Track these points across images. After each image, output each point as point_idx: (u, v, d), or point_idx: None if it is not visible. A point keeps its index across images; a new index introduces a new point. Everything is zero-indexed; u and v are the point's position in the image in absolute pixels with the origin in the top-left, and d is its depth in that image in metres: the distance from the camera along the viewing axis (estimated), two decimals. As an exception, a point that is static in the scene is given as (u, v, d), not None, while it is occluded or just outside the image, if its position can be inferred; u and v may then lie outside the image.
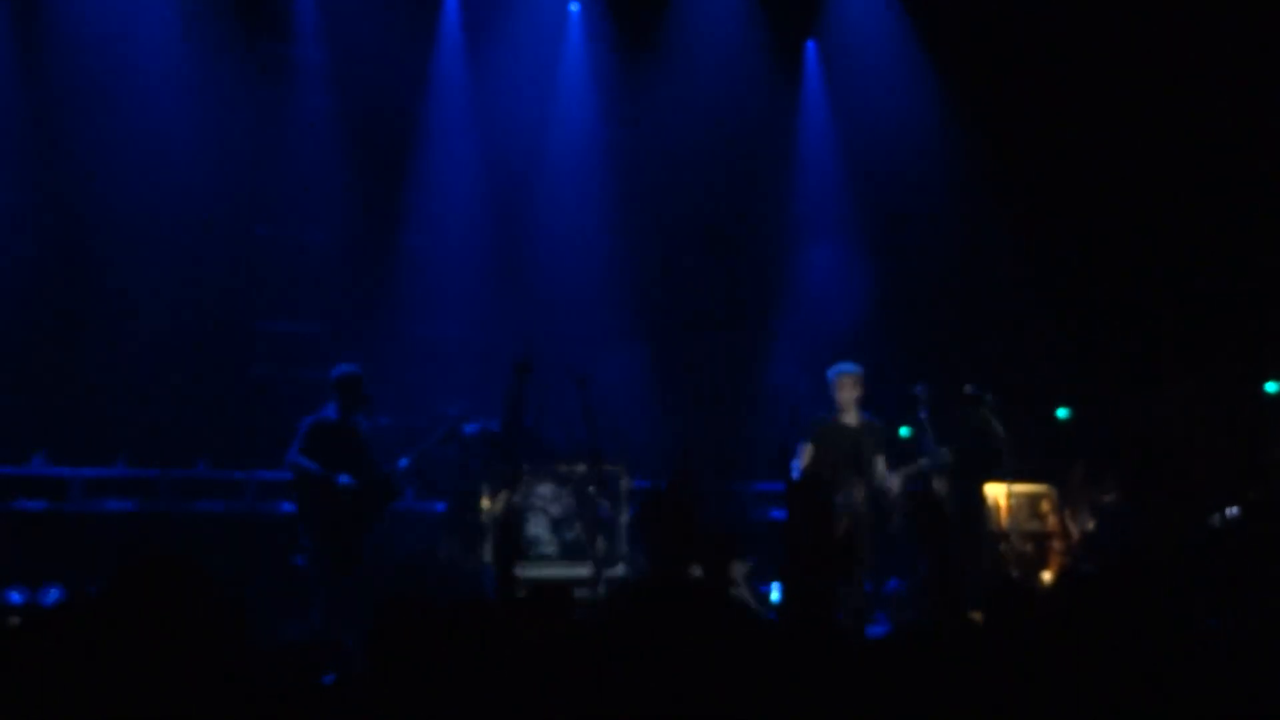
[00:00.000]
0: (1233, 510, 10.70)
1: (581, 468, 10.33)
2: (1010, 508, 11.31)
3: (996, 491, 11.31)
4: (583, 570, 10.14)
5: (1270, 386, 12.13)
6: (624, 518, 10.59)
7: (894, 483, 10.03)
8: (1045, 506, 11.47)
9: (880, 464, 9.89)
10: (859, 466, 9.60)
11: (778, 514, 11.75)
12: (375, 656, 3.65)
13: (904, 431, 11.54)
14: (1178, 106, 12.38)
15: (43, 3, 11.31)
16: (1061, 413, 12.61)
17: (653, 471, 11.13)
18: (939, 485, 10.63)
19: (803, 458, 9.64)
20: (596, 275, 12.73)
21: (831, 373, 9.79)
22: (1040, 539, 11.38)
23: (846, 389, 9.68)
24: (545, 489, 10.42)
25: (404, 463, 9.86)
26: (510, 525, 9.59)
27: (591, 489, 10.25)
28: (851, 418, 9.74)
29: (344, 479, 9.41)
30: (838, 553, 9.36)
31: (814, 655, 3.65)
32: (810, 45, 13.81)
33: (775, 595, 10.71)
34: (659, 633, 3.55)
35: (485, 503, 10.11)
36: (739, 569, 9.64)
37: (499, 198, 12.79)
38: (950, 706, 3.52)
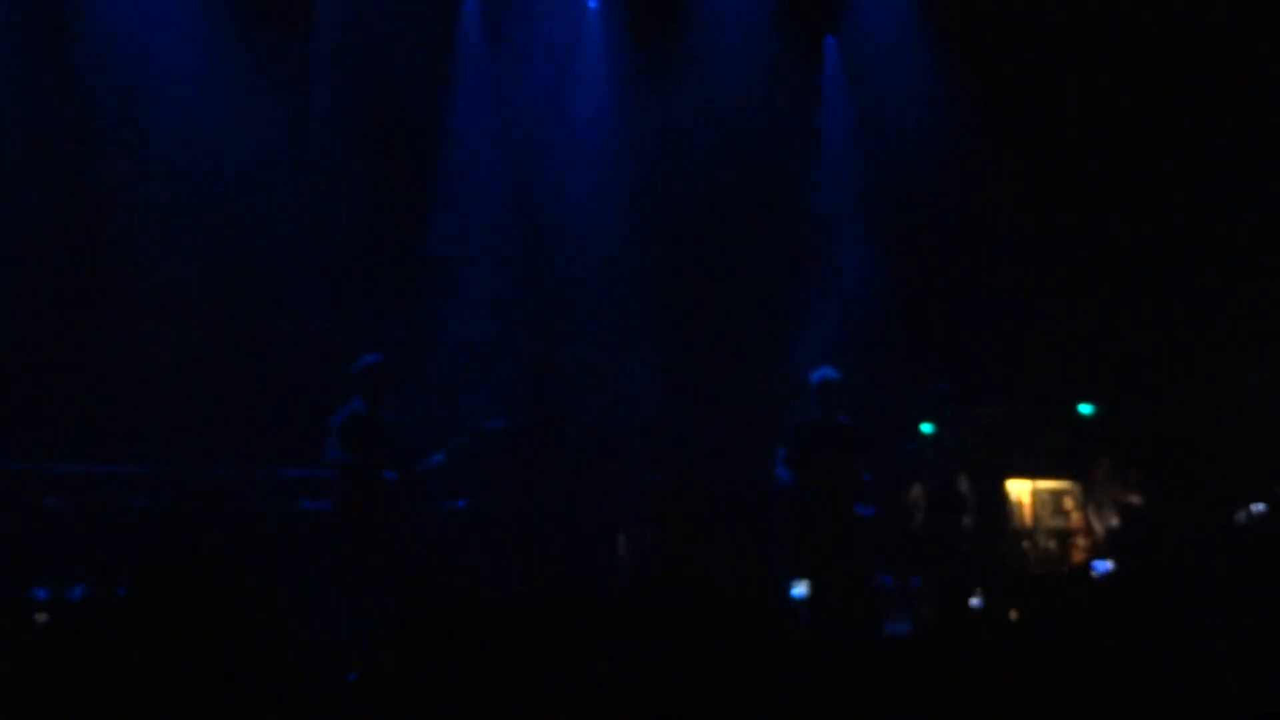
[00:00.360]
0: (1259, 507, 10.65)
1: (601, 463, 10.33)
2: (1034, 504, 11.28)
3: (1020, 488, 11.28)
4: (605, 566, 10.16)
5: (1295, 381, 12.08)
6: (641, 512, 10.60)
7: (916, 488, 10.06)
8: (1069, 503, 11.45)
9: (860, 467, 9.89)
10: (840, 469, 9.62)
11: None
12: (399, 655, 3.66)
13: (926, 428, 11.52)
14: (1205, 100, 12.32)
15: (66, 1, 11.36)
16: (1085, 409, 12.57)
17: (671, 465, 11.12)
18: (961, 483, 10.62)
19: (785, 463, 9.68)
20: (615, 269, 12.73)
21: (814, 377, 9.84)
22: (1064, 536, 11.36)
23: (828, 394, 9.73)
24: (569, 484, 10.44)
25: (437, 460, 9.72)
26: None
27: (610, 484, 10.26)
28: (832, 421, 9.78)
29: (390, 474, 9.31)
30: (834, 554, 9.39)
31: (830, 653, 3.64)
32: (829, 41, 13.79)
33: (797, 591, 10.70)
34: (677, 629, 3.55)
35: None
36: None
37: (518, 193, 12.79)
38: (967, 704, 3.51)
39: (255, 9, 11.75)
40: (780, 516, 9.89)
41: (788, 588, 10.67)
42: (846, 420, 9.81)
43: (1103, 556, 10.88)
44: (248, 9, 11.72)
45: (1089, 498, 11.38)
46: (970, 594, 9.41)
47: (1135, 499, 11.21)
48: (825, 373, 9.87)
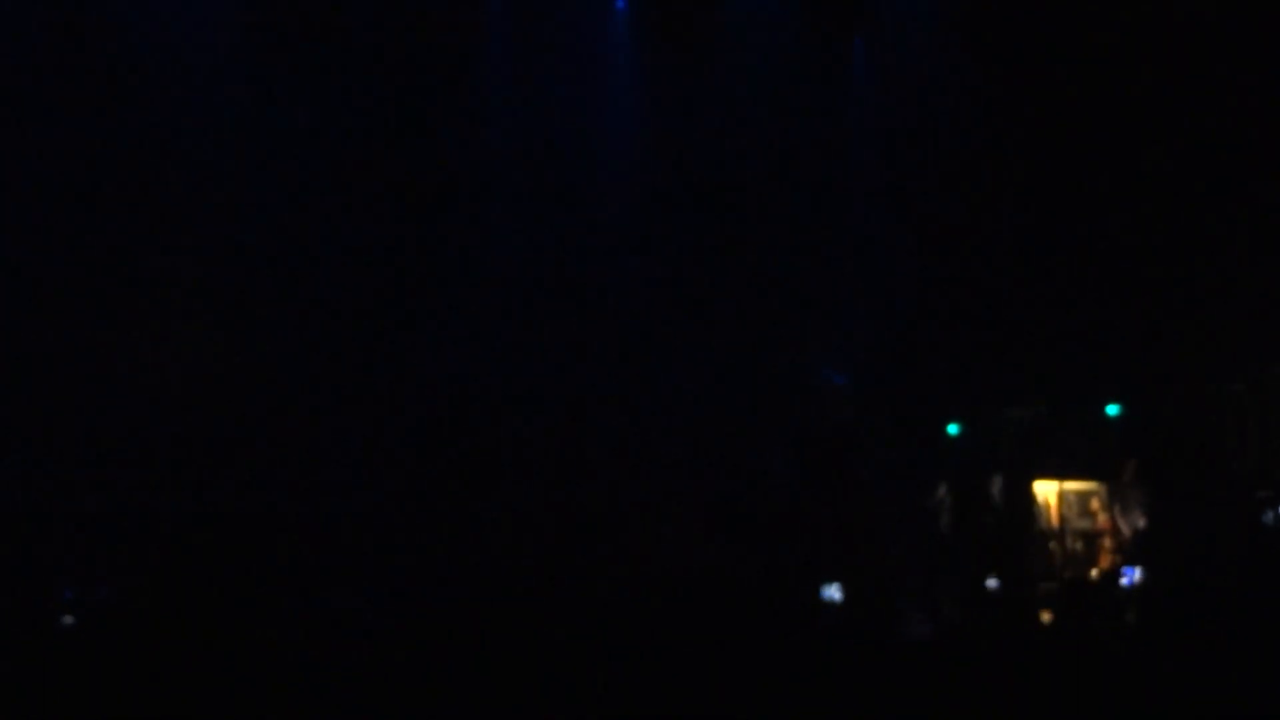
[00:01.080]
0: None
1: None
2: (1061, 506, 11.25)
3: (1047, 490, 11.25)
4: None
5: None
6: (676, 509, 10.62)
7: (942, 489, 10.07)
8: (1096, 504, 11.42)
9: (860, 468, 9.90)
10: (843, 472, 9.62)
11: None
12: (419, 652, 3.68)
13: (952, 429, 11.49)
14: (1238, 103, 12.25)
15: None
16: (1112, 410, 12.52)
17: (703, 464, 11.13)
18: (988, 484, 10.61)
19: (785, 465, 9.70)
20: (642, 269, 12.74)
21: (812, 379, 9.85)
22: (1091, 537, 11.33)
23: (828, 397, 9.75)
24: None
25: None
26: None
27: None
28: (831, 423, 9.79)
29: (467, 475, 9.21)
30: (840, 555, 9.41)
31: (851, 654, 3.64)
32: (857, 42, 13.78)
33: (829, 593, 10.69)
34: (702, 627, 3.55)
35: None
36: None
37: (544, 193, 12.80)
38: (991, 707, 3.50)
39: (283, 7, 11.78)
40: (785, 518, 9.91)
41: (818, 589, 10.67)
42: (846, 421, 9.82)
43: (1130, 558, 10.84)
44: (275, 7, 11.76)
45: (1116, 499, 11.34)
46: (997, 596, 9.39)
47: (1162, 501, 11.16)
48: (824, 375, 9.90)
